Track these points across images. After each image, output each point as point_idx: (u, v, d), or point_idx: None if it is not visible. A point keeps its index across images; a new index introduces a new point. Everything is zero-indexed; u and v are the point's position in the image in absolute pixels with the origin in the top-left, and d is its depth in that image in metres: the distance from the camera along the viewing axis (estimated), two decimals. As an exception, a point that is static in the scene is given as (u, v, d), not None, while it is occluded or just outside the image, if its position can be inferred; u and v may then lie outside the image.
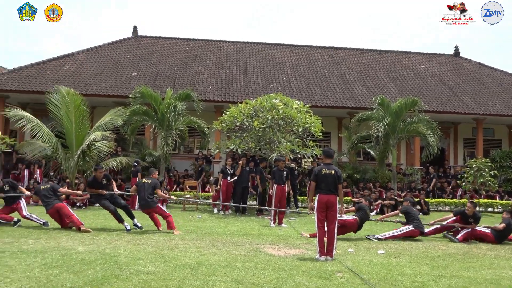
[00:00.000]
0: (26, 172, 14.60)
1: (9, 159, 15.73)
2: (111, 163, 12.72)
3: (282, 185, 9.95)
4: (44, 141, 12.45)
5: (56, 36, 73.53)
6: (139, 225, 8.20)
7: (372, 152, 16.20)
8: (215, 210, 12.26)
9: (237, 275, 4.92)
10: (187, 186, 14.18)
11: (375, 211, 13.54)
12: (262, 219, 10.89)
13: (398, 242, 8.00)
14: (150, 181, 8.25)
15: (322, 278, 4.97)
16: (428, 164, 18.54)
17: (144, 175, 8.74)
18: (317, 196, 6.29)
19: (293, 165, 13.11)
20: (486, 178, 14.03)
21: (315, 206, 6.29)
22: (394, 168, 15.08)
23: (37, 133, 12.36)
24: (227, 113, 12.78)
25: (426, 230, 9.03)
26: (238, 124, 12.53)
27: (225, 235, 7.94)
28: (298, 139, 12.51)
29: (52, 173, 14.18)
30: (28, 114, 12.95)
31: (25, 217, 8.48)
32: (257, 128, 12.04)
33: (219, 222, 10.04)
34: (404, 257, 6.53)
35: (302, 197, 14.05)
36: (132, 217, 8.27)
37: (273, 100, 12.43)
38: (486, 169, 14.14)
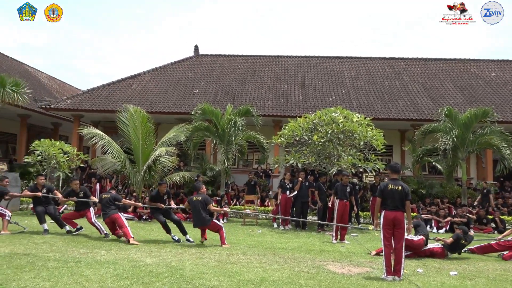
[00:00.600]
0: (97, 186, 15.55)
1: (83, 174, 16.85)
2: (174, 178, 13.19)
3: (345, 201, 9.70)
4: (114, 157, 13.21)
5: (125, 57, 78.54)
6: (191, 239, 8.44)
7: (438, 166, 15.38)
8: (275, 225, 12.23)
9: (301, 293, 4.84)
10: (246, 200, 14.29)
11: (444, 228, 12.77)
12: (323, 235, 10.67)
13: (473, 263, 7.44)
14: (200, 198, 8.36)
15: (390, 299, 4.74)
16: (502, 179, 17.22)
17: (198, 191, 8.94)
18: (383, 212, 6.06)
19: (355, 180, 12.74)
20: None
21: (381, 223, 6.06)
22: (464, 183, 14.15)
23: (108, 149, 13.16)
24: (286, 127, 12.80)
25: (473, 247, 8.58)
26: (297, 138, 12.49)
27: (286, 251, 7.87)
28: (359, 153, 12.20)
29: (120, 187, 14.99)
30: (100, 132, 13.84)
31: (92, 224, 9.08)
32: (316, 142, 11.93)
33: (279, 237, 9.98)
34: (480, 279, 6.07)
35: (364, 213, 13.62)
36: (184, 233, 8.52)
37: (333, 114, 12.27)
38: None
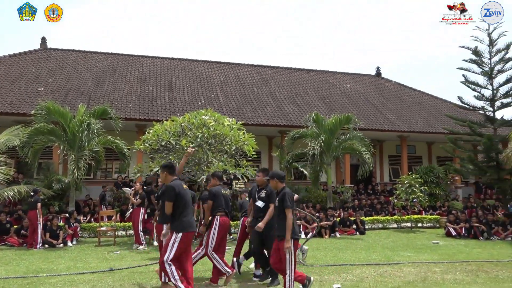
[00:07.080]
0: None
1: None
2: (5, 193, 10.45)
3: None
4: None
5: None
6: None
7: (305, 171, 15.62)
8: (138, 246, 10.45)
9: None
10: (102, 216, 12.28)
11: (311, 233, 12.74)
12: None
13: (351, 270, 7.11)
14: None
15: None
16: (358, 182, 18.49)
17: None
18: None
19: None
20: (418, 194, 14.12)
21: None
22: (330, 187, 14.57)
23: None
24: (151, 131, 11.32)
25: None
26: (163, 143, 11.09)
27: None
28: (230, 159, 11.41)
29: None
30: None
31: None
32: (185, 148, 10.72)
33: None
34: (364, 291, 5.64)
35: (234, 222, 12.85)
36: None
37: (203, 117, 11.25)
38: (417, 185, 14.26)
